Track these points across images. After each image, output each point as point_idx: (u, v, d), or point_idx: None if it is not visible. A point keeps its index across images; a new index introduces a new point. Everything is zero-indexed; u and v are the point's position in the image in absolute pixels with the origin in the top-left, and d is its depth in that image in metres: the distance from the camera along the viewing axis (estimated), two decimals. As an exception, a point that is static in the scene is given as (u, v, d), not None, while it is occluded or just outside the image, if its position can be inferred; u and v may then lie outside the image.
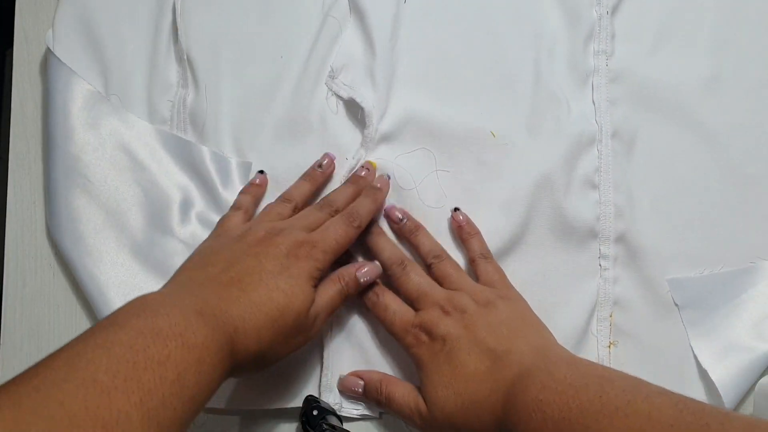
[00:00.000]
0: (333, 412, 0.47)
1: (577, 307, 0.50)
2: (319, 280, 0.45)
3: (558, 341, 0.47)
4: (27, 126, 0.56)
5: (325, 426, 0.44)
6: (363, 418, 0.49)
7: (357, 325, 0.51)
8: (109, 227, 0.51)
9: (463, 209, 0.52)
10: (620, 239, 0.52)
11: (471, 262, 0.50)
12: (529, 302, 0.49)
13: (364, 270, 0.47)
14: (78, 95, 0.53)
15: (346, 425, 0.48)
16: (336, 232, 0.46)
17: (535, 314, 0.47)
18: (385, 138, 0.53)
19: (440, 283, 0.48)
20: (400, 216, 0.51)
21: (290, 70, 0.55)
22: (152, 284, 0.50)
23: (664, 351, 0.50)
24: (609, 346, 0.50)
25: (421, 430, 0.45)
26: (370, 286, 0.48)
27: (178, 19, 0.55)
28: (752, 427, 0.30)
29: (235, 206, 0.51)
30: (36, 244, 0.54)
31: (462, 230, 0.51)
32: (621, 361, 0.50)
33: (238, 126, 0.54)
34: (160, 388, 0.31)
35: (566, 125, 0.53)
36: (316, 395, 0.49)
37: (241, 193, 0.52)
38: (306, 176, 0.52)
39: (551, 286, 0.51)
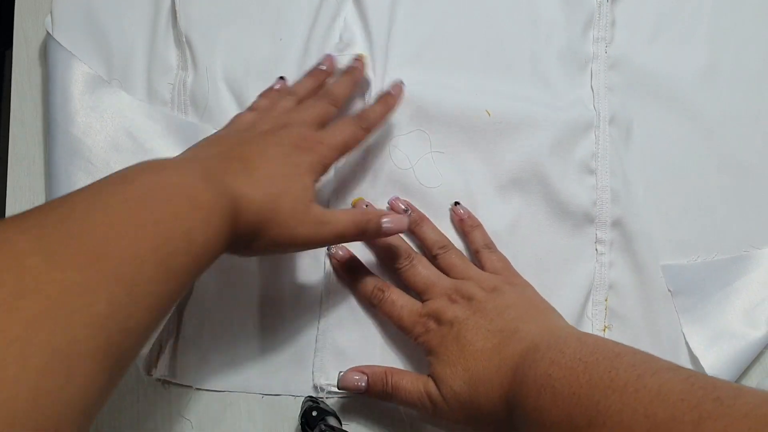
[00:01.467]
0: (332, 413, 0.47)
1: (573, 291, 0.51)
2: (321, 175, 0.45)
3: None
4: (26, 127, 0.55)
5: (324, 427, 0.44)
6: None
7: (351, 306, 0.51)
8: None
9: (458, 192, 0.52)
10: (616, 224, 0.52)
11: (475, 253, 0.50)
12: (525, 285, 0.50)
13: (388, 218, 0.46)
14: (79, 78, 0.53)
15: (345, 426, 0.48)
16: (344, 132, 0.47)
17: (543, 298, 0.48)
18: None
19: (447, 274, 0.49)
20: (403, 207, 0.51)
21: (289, 52, 0.55)
22: None
23: (658, 336, 0.50)
24: (603, 330, 0.50)
25: (432, 415, 0.45)
26: (372, 282, 0.49)
27: (177, 1, 0.55)
28: (766, 402, 0.30)
29: (251, 107, 0.50)
30: (35, 247, 0.54)
31: (464, 223, 0.51)
32: (615, 344, 0.50)
33: (240, 107, 0.54)
34: (172, 240, 0.32)
35: (563, 110, 0.53)
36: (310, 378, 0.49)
37: (259, 95, 0.52)
38: (309, 74, 0.52)
39: (548, 269, 0.51)
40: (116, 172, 0.35)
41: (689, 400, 0.31)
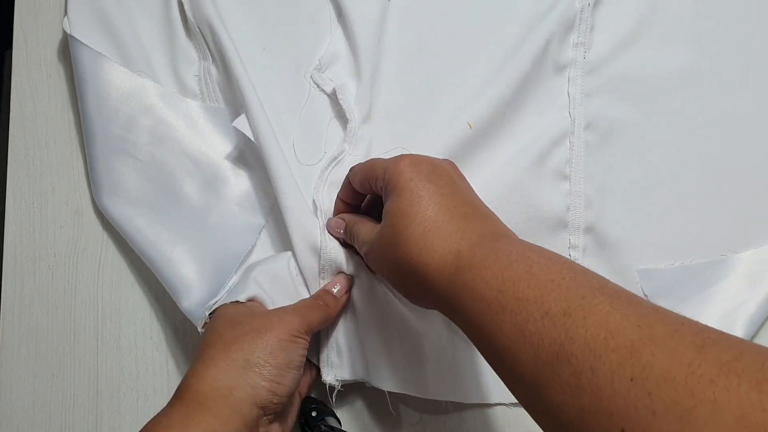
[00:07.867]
0: (332, 413, 0.47)
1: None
2: None
3: None
4: (26, 127, 0.56)
5: (323, 427, 0.45)
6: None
7: (361, 307, 0.50)
8: (165, 202, 0.52)
9: None
10: (589, 229, 0.52)
11: None
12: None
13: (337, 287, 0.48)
14: (113, 77, 0.54)
15: (345, 426, 0.48)
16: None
17: None
18: (366, 135, 0.53)
19: None
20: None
21: (273, 62, 0.56)
22: (214, 250, 0.51)
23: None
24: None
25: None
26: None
27: None
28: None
29: None
30: (34, 246, 0.54)
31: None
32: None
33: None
34: None
35: (539, 117, 0.53)
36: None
37: None
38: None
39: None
40: None
41: (690, 325, 0.26)
